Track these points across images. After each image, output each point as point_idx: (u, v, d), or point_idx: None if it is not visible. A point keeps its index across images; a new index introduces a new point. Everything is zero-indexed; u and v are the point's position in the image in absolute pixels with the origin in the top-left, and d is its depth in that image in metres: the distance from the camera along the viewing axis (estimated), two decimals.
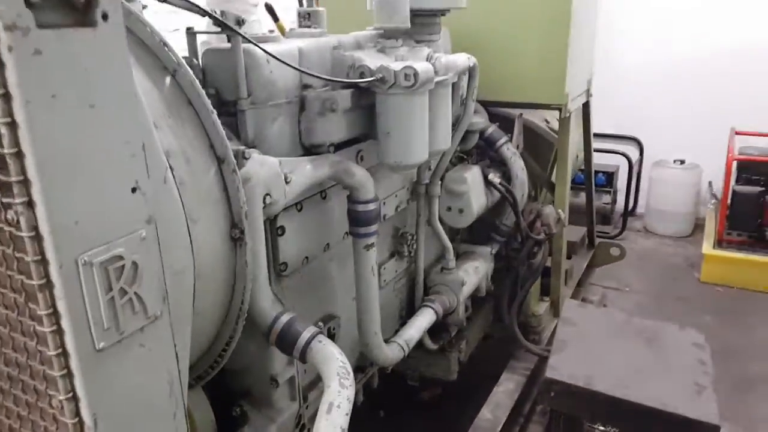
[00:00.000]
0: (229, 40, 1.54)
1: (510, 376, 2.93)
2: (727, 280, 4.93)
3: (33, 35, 0.82)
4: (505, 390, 2.82)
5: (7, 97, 0.81)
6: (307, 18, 2.05)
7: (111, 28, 0.91)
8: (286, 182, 1.56)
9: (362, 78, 1.78)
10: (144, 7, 1.51)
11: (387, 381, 2.56)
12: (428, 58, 1.91)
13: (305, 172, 1.64)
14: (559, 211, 3.01)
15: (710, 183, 6.03)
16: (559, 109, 2.82)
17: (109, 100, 0.92)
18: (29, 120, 0.82)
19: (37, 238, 0.84)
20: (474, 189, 2.56)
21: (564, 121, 2.93)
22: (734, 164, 5.09)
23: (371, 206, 1.80)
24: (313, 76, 1.70)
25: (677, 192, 5.98)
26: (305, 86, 1.75)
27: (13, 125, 0.82)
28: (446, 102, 2.01)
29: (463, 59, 2.11)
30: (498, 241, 2.95)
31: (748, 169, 5.10)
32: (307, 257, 1.82)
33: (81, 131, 0.88)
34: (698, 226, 6.03)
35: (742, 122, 5.54)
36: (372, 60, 1.81)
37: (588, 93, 3.40)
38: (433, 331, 2.52)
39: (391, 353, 2.08)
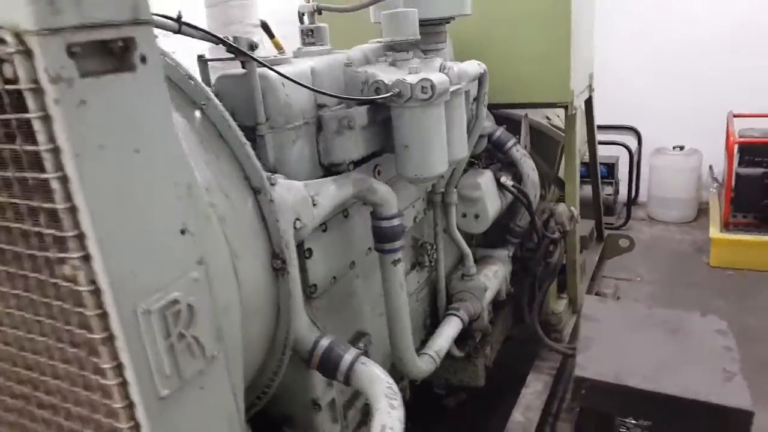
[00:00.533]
0: (243, 66, 1.52)
1: (537, 377, 2.91)
2: (736, 263, 4.94)
3: (77, 85, 0.81)
4: (534, 391, 2.80)
5: (57, 151, 0.80)
6: (310, 35, 2.03)
7: (150, 71, 0.90)
8: (313, 205, 1.55)
9: (377, 93, 1.75)
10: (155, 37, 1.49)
11: (412, 390, 2.54)
12: (441, 69, 1.89)
13: (330, 193, 1.62)
14: (572, 208, 3.00)
15: (711, 167, 6.04)
16: (566, 107, 2.81)
17: (153, 143, 0.91)
18: (80, 173, 0.80)
19: (96, 291, 0.82)
20: (488, 193, 2.56)
21: (570, 118, 2.92)
22: (735, 147, 5.10)
23: (396, 221, 1.79)
24: (333, 96, 1.68)
25: (679, 178, 5.99)
26: (320, 106, 1.74)
27: (64, 180, 0.81)
28: (461, 111, 2.00)
29: (474, 67, 2.10)
30: (513, 243, 2.95)
31: (750, 151, 5.12)
32: (334, 277, 1.81)
33: (129, 178, 0.87)
34: (701, 211, 6.04)
35: (738, 105, 5.55)
36: (386, 74, 1.78)
37: (590, 88, 3.39)
38: (458, 338, 2.51)
39: (424, 365, 2.07)
